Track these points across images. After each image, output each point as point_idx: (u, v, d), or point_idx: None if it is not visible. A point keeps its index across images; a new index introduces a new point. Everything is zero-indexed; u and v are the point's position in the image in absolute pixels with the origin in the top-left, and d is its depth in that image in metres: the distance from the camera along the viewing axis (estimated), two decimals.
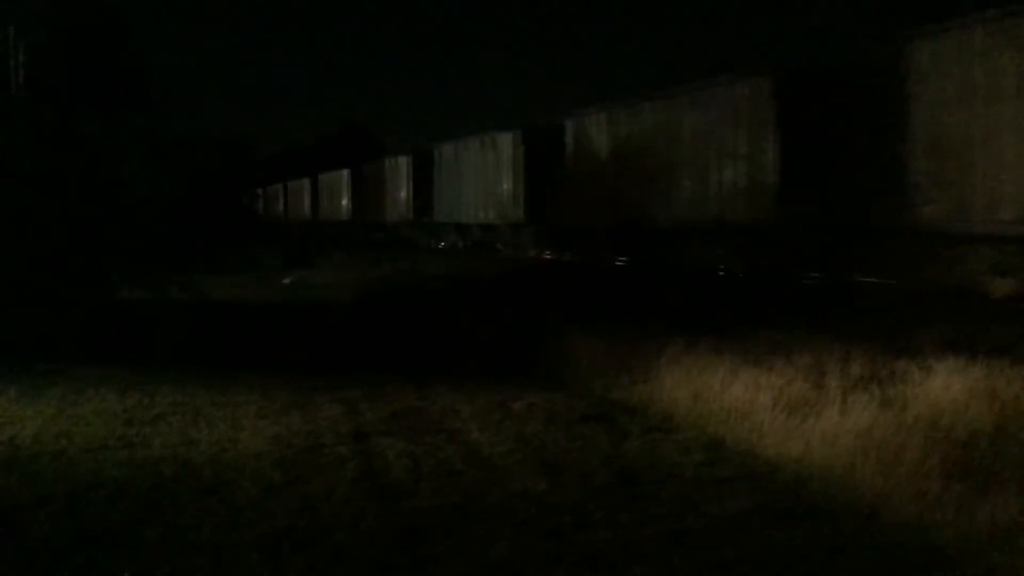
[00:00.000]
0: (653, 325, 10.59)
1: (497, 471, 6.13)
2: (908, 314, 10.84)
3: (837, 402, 6.87)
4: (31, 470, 6.11)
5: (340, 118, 77.16)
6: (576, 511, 5.27)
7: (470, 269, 21.73)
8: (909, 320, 10.32)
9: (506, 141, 29.36)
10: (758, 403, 7.12)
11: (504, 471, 6.13)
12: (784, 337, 9.54)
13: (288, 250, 27.72)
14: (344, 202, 47.49)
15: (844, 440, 6.13)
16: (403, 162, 37.44)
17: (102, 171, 13.38)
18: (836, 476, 5.76)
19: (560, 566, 4.52)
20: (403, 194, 37.40)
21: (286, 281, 22.22)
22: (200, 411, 7.83)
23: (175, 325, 13.45)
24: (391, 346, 11.91)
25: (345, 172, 47.27)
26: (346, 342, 12.42)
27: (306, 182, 56.34)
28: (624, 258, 23.12)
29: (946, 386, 7.05)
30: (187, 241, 14.55)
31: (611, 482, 5.87)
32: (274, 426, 7.34)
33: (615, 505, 5.38)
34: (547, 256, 27.29)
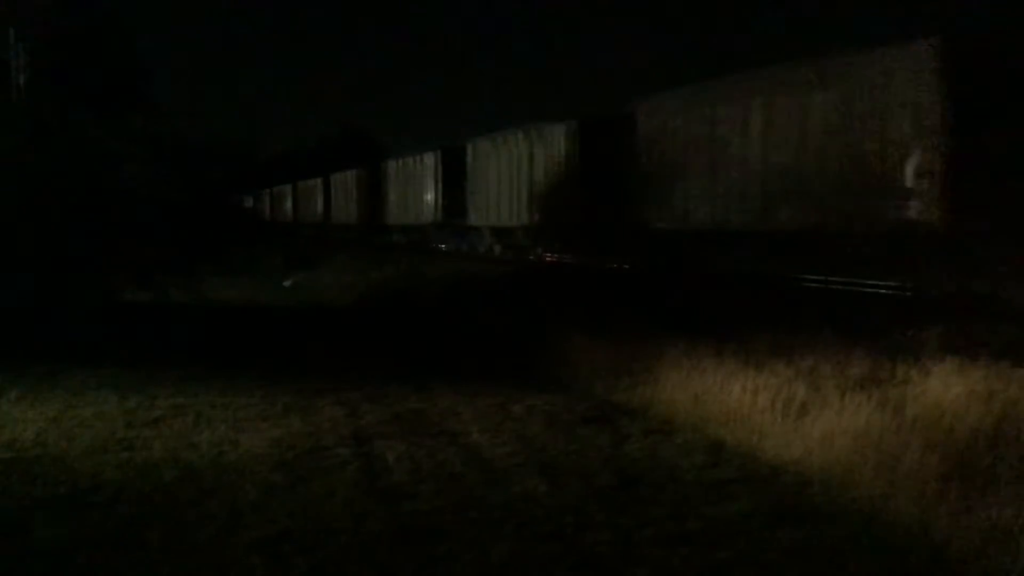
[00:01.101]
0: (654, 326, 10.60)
1: (498, 473, 6.14)
2: (907, 316, 10.83)
3: (836, 404, 6.88)
4: (32, 472, 6.11)
5: (340, 120, 76.88)
6: (577, 513, 5.27)
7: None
8: (909, 321, 10.31)
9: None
10: (758, 405, 7.14)
11: (505, 473, 6.13)
12: (784, 339, 9.53)
13: (289, 251, 27.57)
14: (429, 197, 33.09)
15: (844, 442, 6.14)
16: (518, 140, 25.21)
17: (103, 174, 13.42)
18: (836, 477, 5.76)
19: (560, 568, 4.52)
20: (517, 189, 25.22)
21: (287, 283, 22.22)
22: (201, 413, 7.84)
23: (176, 327, 13.45)
24: (392, 348, 11.91)
25: (432, 154, 32.67)
26: (346, 344, 12.42)
27: (350, 175, 43.37)
28: None
29: (945, 388, 7.06)
30: (188, 243, 14.57)
31: (612, 484, 5.88)
32: (275, 428, 7.35)
33: (616, 507, 5.39)
34: None
